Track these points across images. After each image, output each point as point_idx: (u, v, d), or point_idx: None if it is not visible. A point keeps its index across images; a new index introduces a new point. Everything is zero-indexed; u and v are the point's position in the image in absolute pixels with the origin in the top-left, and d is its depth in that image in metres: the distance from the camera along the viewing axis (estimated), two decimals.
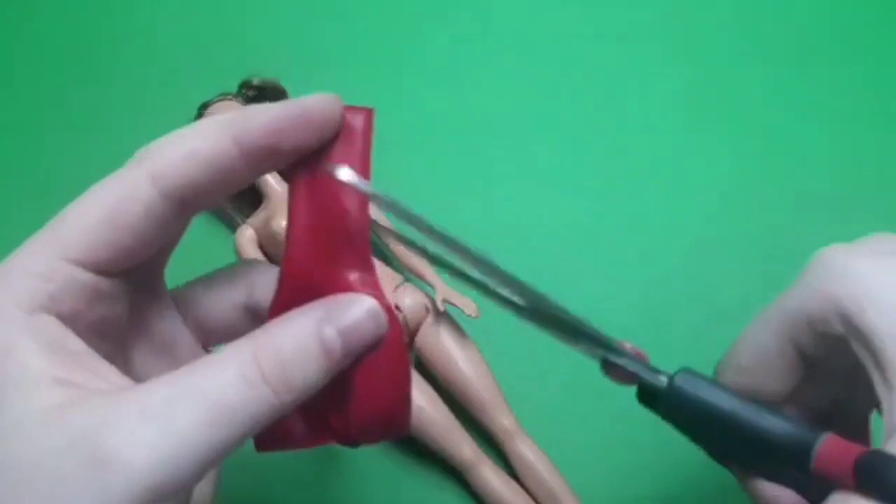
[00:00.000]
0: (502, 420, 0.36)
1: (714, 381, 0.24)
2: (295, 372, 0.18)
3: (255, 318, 0.23)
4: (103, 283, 0.19)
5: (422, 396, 0.36)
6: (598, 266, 0.43)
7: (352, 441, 0.22)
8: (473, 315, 0.37)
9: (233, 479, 0.37)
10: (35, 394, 0.17)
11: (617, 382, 0.25)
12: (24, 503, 0.16)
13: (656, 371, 0.24)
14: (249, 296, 0.23)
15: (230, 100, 0.42)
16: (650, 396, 0.24)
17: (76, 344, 0.19)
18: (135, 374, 0.22)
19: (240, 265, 0.24)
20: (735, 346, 0.26)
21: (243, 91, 0.43)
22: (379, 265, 0.39)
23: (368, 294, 0.21)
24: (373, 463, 0.37)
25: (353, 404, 0.21)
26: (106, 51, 0.50)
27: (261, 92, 0.43)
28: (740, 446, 0.23)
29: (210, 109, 0.42)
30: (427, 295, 0.38)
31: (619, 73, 0.49)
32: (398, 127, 0.47)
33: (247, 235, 0.40)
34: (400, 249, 0.39)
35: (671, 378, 0.24)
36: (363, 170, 0.21)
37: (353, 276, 0.21)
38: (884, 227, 0.41)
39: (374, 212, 0.26)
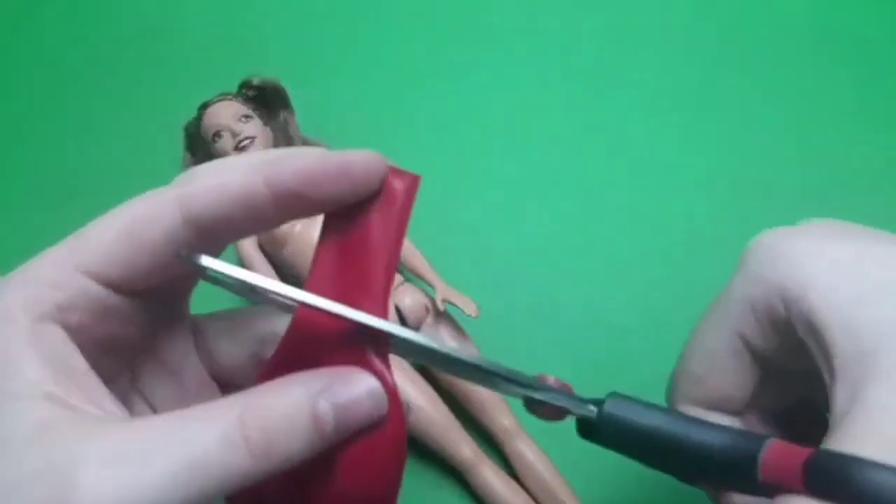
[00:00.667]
0: (502, 420, 0.36)
1: (644, 403, 0.22)
2: (280, 442, 0.17)
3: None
4: (116, 299, 0.19)
5: (422, 396, 0.36)
6: (595, 265, 0.43)
7: None
8: (473, 315, 0.37)
9: None
10: (26, 409, 0.17)
11: (546, 420, 0.23)
12: None
13: (584, 402, 0.23)
14: (262, 346, 0.22)
15: (230, 100, 0.42)
16: (587, 429, 0.23)
17: (77, 361, 0.18)
18: (139, 392, 0.22)
19: (262, 312, 0.23)
20: (684, 353, 0.25)
21: (243, 91, 0.43)
22: None
23: (375, 372, 0.19)
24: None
25: (335, 484, 0.20)
26: (106, 51, 0.50)
27: (261, 92, 0.43)
28: (686, 464, 0.22)
29: (210, 109, 0.42)
30: (427, 295, 0.38)
31: (616, 74, 0.49)
32: (398, 127, 0.47)
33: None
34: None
35: (600, 406, 0.22)
36: (397, 236, 0.20)
37: (367, 351, 0.20)
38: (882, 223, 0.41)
39: None
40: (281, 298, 0.19)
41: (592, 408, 0.22)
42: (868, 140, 0.46)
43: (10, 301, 0.18)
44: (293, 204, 0.19)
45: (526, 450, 0.36)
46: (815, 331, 0.20)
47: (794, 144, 0.46)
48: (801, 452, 0.19)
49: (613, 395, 0.23)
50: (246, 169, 0.19)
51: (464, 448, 0.36)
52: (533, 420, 0.37)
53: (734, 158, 0.46)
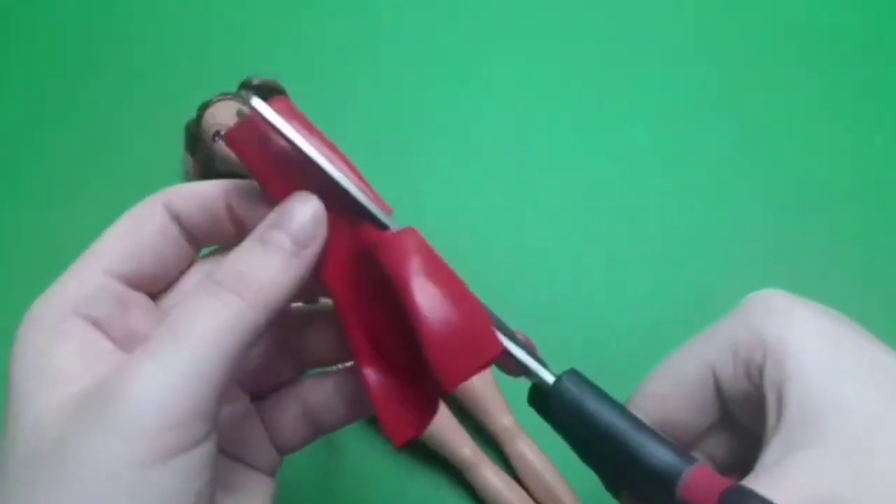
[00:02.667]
0: (502, 420, 0.36)
1: (602, 392, 0.22)
2: (256, 274, 0.19)
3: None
4: (134, 296, 0.21)
5: None
6: (596, 266, 0.43)
7: (450, 378, 0.20)
8: None
9: None
10: (62, 387, 0.19)
11: (505, 373, 0.23)
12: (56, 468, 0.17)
13: (546, 368, 0.22)
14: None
15: (230, 100, 0.42)
16: (539, 398, 0.23)
17: (104, 344, 0.20)
18: None
19: None
20: (653, 373, 0.25)
21: (243, 91, 0.43)
22: None
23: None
24: (374, 463, 0.37)
25: (423, 342, 0.20)
26: (105, 51, 0.50)
27: (260, 92, 0.43)
28: (615, 462, 0.22)
29: (210, 110, 0.42)
30: None
31: (618, 76, 0.49)
32: (398, 127, 0.47)
33: None
34: None
35: (559, 378, 0.22)
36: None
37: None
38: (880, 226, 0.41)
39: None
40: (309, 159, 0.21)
41: (550, 377, 0.22)
42: (867, 145, 0.46)
43: (43, 306, 0.20)
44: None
45: (526, 449, 0.36)
46: (779, 384, 0.21)
47: (794, 147, 0.46)
48: (723, 482, 0.20)
49: (574, 372, 0.22)
50: (212, 184, 0.22)
51: (464, 448, 0.36)
52: (533, 420, 0.37)
53: (734, 160, 0.46)
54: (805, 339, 0.22)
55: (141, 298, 0.22)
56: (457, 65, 0.49)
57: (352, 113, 0.47)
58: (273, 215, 0.20)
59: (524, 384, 0.38)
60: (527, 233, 0.44)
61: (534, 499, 0.35)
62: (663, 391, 0.24)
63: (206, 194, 0.22)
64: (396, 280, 0.20)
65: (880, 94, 0.48)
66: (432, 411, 0.22)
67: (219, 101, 0.42)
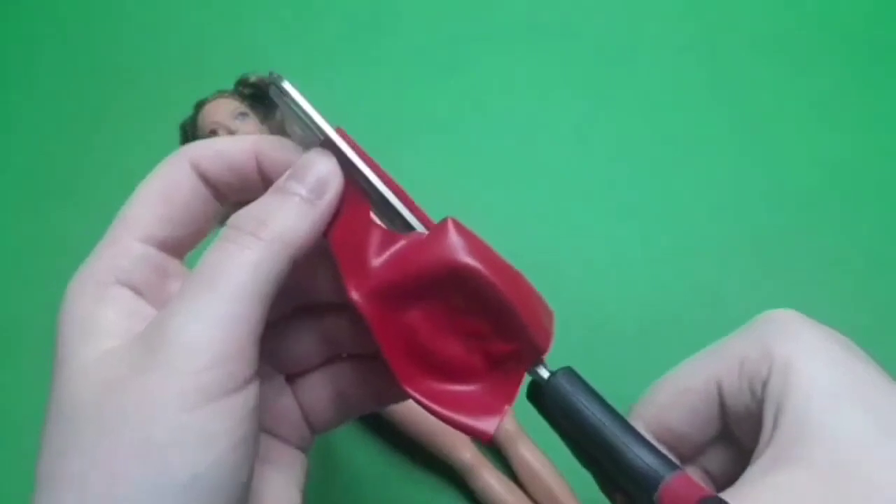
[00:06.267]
0: (503, 423, 0.36)
1: (595, 392, 0.23)
2: (270, 219, 0.20)
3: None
4: (171, 262, 0.22)
5: None
6: (597, 266, 0.42)
7: (546, 341, 0.22)
8: None
9: None
10: (108, 341, 0.20)
11: None
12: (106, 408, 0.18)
13: (543, 364, 0.23)
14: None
15: (226, 97, 0.42)
16: (536, 393, 0.23)
17: (147, 309, 0.21)
18: None
19: None
20: (658, 383, 0.25)
21: (240, 88, 0.42)
22: None
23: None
24: (373, 467, 0.37)
25: (516, 316, 0.21)
26: (101, 49, 0.50)
27: (257, 90, 0.42)
28: (603, 462, 0.22)
29: (206, 107, 0.41)
30: None
31: (620, 75, 0.49)
32: (398, 126, 0.47)
33: None
34: None
35: (553, 374, 0.23)
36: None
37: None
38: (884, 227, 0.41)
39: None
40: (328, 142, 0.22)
41: (546, 373, 0.23)
42: (876, 144, 0.46)
43: (84, 276, 0.21)
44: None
45: (526, 453, 0.36)
46: (778, 401, 0.22)
47: (797, 146, 0.46)
48: (702, 491, 0.20)
49: (569, 370, 0.23)
50: (243, 141, 0.23)
51: (464, 451, 0.35)
52: (533, 423, 0.37)
53: (737, 160, 0.46)
54: (810, 361, 0.22)
55: (177, 265, 0.22)
56: (458, 63, 0.49)
57: (351, 112, 0.47)
58: (291, 169, 0.21)
59: (524, 385, 0.38)
60: (527, 233, 0.43)
61: (534, 502, 0.35)
62: (667, 401, 0.25)
63: (234, 152, 0.22)
64: (463, 271, 0.21)
65: (887, 93, 0.48)
66: (511, 392, 0.23)
67: (215, 98, 0.42)
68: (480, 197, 0.44)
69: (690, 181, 0.45)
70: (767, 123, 0.47)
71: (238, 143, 0.23)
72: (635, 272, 0.42)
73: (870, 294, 0.41)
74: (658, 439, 0.24)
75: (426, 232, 0.22)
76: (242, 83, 0.42)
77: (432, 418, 0.35)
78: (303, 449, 0.25)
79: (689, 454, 0.25)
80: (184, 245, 0.23)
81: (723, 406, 0.24)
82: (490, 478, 0.35)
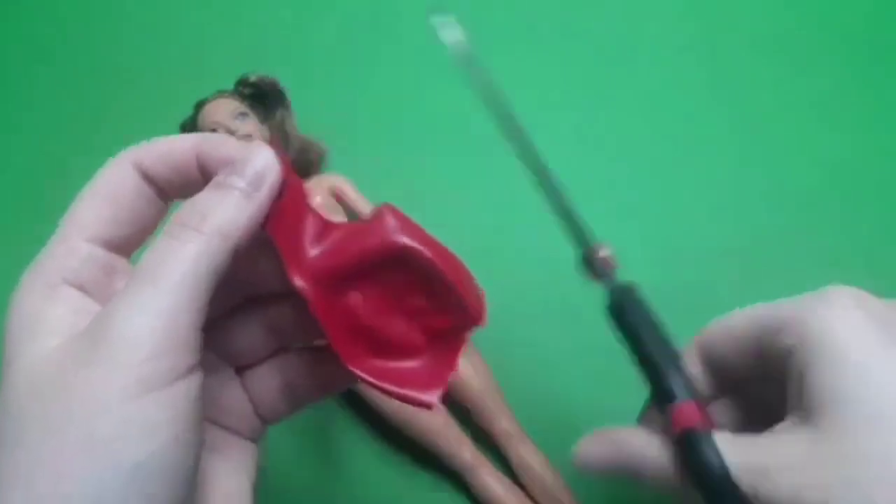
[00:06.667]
0: (502, 423, 0.36)
1: (646, 310, 0.28)
2: (209, 212, 0.21)
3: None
4: (118, 261, 0.23)
5: None
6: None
7: (481, 312, 0.24)
8: None
9: None
10: (55, 338, 0.20)
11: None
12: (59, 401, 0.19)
13: (613, 279, 0.29)
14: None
15: (227, 97, 0.42)
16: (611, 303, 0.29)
17: (94, 307, 0.21)
18: None
19: None
20: (712, 322, 0.29)
21: (240, 88, 0.42)
22: None
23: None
24: (372, 467, 0.37)
25: (453, 290, 0.23)
26: (100, 49, 0.50)
27: (258, 89, 0.42)
28: (644, 368, 0.27)
29: (206, 107, 0.41)
30: None
31: (619, 74, 0.49)
32: (397, 126, 0.47)
33: None
34: None
35: (613, 289, 0.28)
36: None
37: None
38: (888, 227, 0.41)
39: None
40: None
41: (610, 286, 0.29)
42: (876, 144, 0.46)
43: (32, 277, 0.22)
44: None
45: (526, 453, 0.36)
46: (805, 368, 0.23)
47: (800, 146, 0.46)
48: (706, 421, 0.24)
49: (626, 287, 0.29)
50: (183, 140, 0.23)
51: (463, 451, 0.35)
52: (533, 423, 0.37)
53: (739, 161, 0.46)
54: (849, 333, 0.23)
55: (123, 263, 0.23)
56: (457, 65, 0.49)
57: (350, 112, 0.47)
58: (230, 164, 0.22)
59: (525, 387, 0.38)
60: (527, 232, 0.43)
61: (534, 502, 0.35)
62: (715, 333, 0.28)
63: (175, 151, 0.23)
64: (402, 251, 0.23)
65: (887, 93, 0.48)
66: (451, 363, 0.24)
67: (215, 98, 0.42)
68: (481, 196, 0.44)
69: (690, 181, 0.45)
70: (767, 123, 0.47)
71: (178, 142, 0.23)
72: (635, 273, 0.42)
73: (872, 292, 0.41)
74: (703, 364, 0.28)
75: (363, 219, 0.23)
76: (242, 83, 0.42)
77: (432, 420, 0.35)
78: (253, 439, 0.26)
79: (730, 387, 0.28)
80: (130, 243, 0.23)
81: (760, 346, 0.26)
82: (490, 478, 0.35)
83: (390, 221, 0.23)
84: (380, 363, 0.24)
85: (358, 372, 0.23)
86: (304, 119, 0.43)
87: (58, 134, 0.47)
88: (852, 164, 0.45)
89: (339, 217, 0.40)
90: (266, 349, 0.26)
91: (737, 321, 0.27)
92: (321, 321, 0.22)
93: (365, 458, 0.37)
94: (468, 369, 0.36)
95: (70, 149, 0.46)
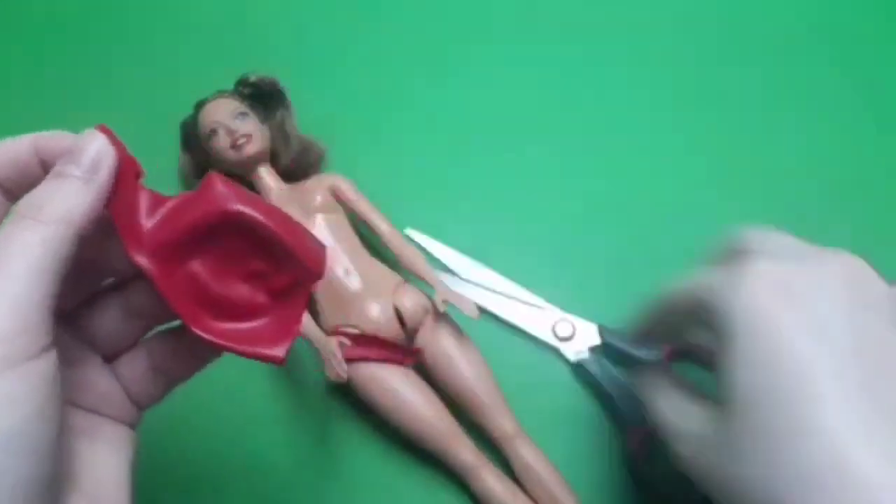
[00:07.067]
0: (503, 423, 0.36)
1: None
2: (49, 201, 0.22)
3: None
4: None
5: (422, 398, 0.36)
6: (597, 266, 0.42)
7: (319, 267, 0.25)
8: (473, 315, 0.36)
9: (233, 483, 0.37)
10: None
11: None
12: None
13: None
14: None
15: (227, 97, 0.42)
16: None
17: None
18: None
19: None
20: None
21: (240, 88, 0.42)
22: (379, 266, 0.39)
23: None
24: (371, 467, 0.37)
25: (287, 249, 0.24)
26: (102, 49, 0.50)
27: (257, 89, 0.42)
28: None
29: (206, 107, 0.41)
30: (427, 296, 0.38)
31: (616, 72, 0.49)
32: (397, 126, 0.47)
33: None
34: (400, 249, 0.39)
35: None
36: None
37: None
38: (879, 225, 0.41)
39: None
40: None
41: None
42: (869, 142, 0.46)
43: None
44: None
45: (527, 453, 0.36)
46: (720, 349, 0.25)
47: (798, 147, 0.46)
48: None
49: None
50: (21, 140, 0.24)
51: (464, 452, 0.35)
52: (534, 423, 0.37)
53: (733, 155, 0.46)
54: (759, 321, 0.24)
55: None
56: (457, 63, 0.49)
57: (350, 112, 0.47)
58: (66, 154, 0.23)
59: (525, 386, 0.38)
60: (528, 232, 0.43)
61: (535, 502, 0.35)
62: (659, 300, 0.31)
63: (16, 151, 0.24)
64: (233, 216, 0.23)
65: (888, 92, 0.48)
66: (297, 317, 0.25)
67: (215, 98, 0.42)
68: (481, 196, 0.44)
69: (693, 182, 0.45)
70: (771, 121, 0.47)
71: (16, 142, 0.24)
72: (637, 274, 0.42)
73: None
74: (652, 332, 0.32)
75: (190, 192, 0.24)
76: (242, 83, 0.42)
77: (433, 420, 0.35)
78: (130, 425, 0.26)
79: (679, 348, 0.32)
80: None
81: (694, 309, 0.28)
82: (490, 478, 0.35)
83: (219, 188, 0.24)
84: (228, 326, 0.24)
85: (203, 334, 0.24)
86: (303, 119, 0.43)
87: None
88: (852, 163, 0.45)
89: (339, 217, 0.40)
90: (131, 334, 0.27)
91: (676, 286, 0.29)
92: (163, 292, 0.23)
93: (365, 457, 0.37)
94: (468, 369, 0.36)
95: None
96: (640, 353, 0.37)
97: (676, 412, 0.28)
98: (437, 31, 0.50)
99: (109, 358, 0.27)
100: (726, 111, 0.47)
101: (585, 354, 0.39)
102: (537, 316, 0.40)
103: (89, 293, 0.26)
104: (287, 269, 0.25)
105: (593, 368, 0.38)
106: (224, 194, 0.24)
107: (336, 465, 0.37)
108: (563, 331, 0.39)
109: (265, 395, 0.39)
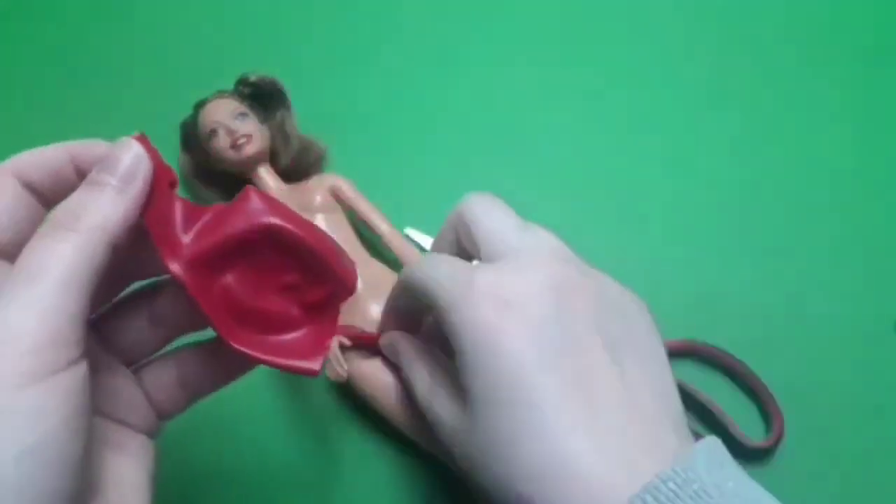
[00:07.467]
0: None
1: None
2: (90, 210, 0.22)
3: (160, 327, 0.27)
4: (2, 265, 0.23)
5: None
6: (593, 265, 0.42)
7: (352, 278, 0.25)
8: None
9: (234, 482, 0.37)
10: None
11: None
12: None
13: None
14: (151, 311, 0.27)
15: (227, 97, 0.42)
16: None
17: None
18: None
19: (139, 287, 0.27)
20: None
21: (240, 88, 0.42)
22: (379, 266, 0.39)
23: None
24: (372, 466, 0.37)
25: (323, 262, 0.24)
26: (101, 49, 0.50)
27: (257, 89, 0.42)
28: None
29: (206, 107, 0.41)
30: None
31: (618, 74, 0.49)
32: (398, 127, 0.47)
33: None
34: (400, 250, 0.39)
35: None
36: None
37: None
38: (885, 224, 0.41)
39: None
40: None
41: None
42: (872, 143, 0.46)
43: None
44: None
45: None
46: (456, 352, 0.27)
47: (798, 148, 0.46)
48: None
49: None
50: (58, 148, 0.24)
51: None
52: None
53: (738, 159, 0.45)
54: (486, 335, 0.26)
55: (6, 266, 0.23)
56: (457, 63, 0.49)
57: (351, 112, 0.47)
58: (101, 162, 0.23)
59: None
60: None
61: None
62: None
63: (53, 159, 0.24)
64: (270, 229, 0.24)
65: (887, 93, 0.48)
66: (330, 331, 0.26)
67: (215, 98, 0.42)
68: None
69: (691, 183, 0.45)
70: (771, 124, 0.47)
71: (53, 149, 0.24)
72: (634, 274, 0.42)
73: (873, 292, 0.41)
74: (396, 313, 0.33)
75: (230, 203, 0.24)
76: (242, 83, 0.42)
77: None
78: (150, 435, 0.26)
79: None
80: (13, 247, 0.24)
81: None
82: None
83: (255, 202, 0.24)
84: (262, 339, 0.25)
85: (241, 347, 0.24)
86: (304, 119, 0.43)
87: (58, 135, 0.46)
88: (852, 163, 0.45)
89: (339, 216, 0.40)
90: (153, 343, 0.27)
91: (408, 285, 0.30)
92: (199, 304, 0.23)
93: (365, 456, 0.37)
94: None
95: None
96: None
97: (433, 395, 0.29)
98: (438, 32, 0.50)
99: (135, 366, 0.27)
100: (731, 112, 0.47)
101: None
102: None
103: (114, 300, 0.26)
104: (321, 283, 0.25)
105: None
106: (261, 208, 0.24)
107: (336, 464, 0.37)
108: None
109: (265, 394, 0.39)
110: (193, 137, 0.42)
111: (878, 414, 0.38)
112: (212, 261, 0.24)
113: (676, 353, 0.39)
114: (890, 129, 0.46)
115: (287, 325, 0.25)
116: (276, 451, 0.38)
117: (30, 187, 0.24)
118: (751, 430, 0.37)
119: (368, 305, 0.37)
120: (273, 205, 0.24)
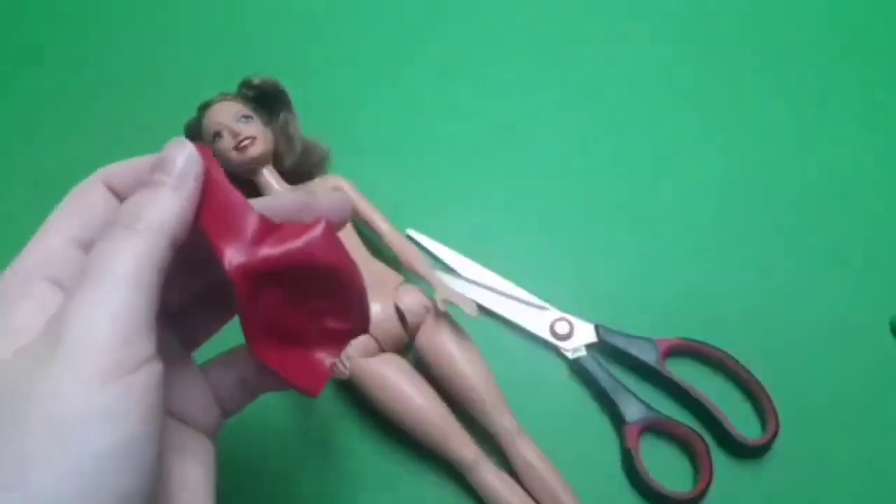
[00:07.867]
0: (502, 420, 0.36)
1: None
2: (142, 210, 0.22)
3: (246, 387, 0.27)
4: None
5: (422, 396, 0.36)
6: (596, 266, 0.43)
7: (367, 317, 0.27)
8: (473, 315, 0.37)
9: (233, 481, 0.37)
10: (18, 339, 0.21)
11: None
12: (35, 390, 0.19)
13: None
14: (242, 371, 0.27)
15: (230, 100, 0.42)
16: None
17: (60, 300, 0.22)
18: None
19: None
20: None
21: (243, 91, 0.43)
22: (379, 265, 0.40)
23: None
24: (373, 463, 0.37)
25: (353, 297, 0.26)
26: (106, 51, 0.50)
27: (261, 92, 0.43)
28: None
29: (210, 110, 0.42)
30: (427, 295, 0.38)
31: (617, 74, 0.49)
32: (399, 127, 0.47)
33: None
34: (401, 249, 0.39)
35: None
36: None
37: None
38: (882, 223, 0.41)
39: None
40: None
41: None
42: (871, 140, 0.46)
43: (5, 276, 0.23)
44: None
45: (526, 450, 0.36)
46: None
47: (798, 148, 0.46)
48: None
49: None
50: (145, 160, 0.25)
51: (464, 448, 0.36)
52: (531, 420, 0.37)
53: (735, 162, 0.46)
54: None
55: None
56: (458, 64, 0.49)
57: (352, 113, 0.47)
58: (155, 163, 0.23)
59: (526, 385, 0.39)
60: (528, 232, 0.44)
61: (534, 500, 0.35)
62: None
63: (139, 168, 0.25)
64: (334, 268, 0.25)
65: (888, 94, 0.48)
66: (336, 355, 0.27)
67: (219, 101, 0.42)
68: (481, 196, 0.45)
69: (693, 184, 0.45)
70: (769, 124, 0.47)
71: (140, 160, 0.25)
72: (633, 274, 0.43)
73: (872, 292, 0.42)
74: None
75: (299, 226, 0.25)
76: (246, 85, 0.43)
77: (433, 417, 0.36)
78: (211, 435, 0.27)
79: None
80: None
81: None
82: (490, 474, 0.35)
83: (324, 235, 0.24)
84: (279, 351, 0.26)
85: (263, 360, 0.25)
86: (307, 121, 0.44)
87: (60, 137, 0.47)
88: (852, 163, 0.45)
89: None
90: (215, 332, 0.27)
91: None
92: (241, 307, 0.24)
93: (365, 455, 0.38)
94: (468, 367, 0.37)
95: (71, 151, 0.46)
96: (637, 351, 0.38)
97: None
98: (438, 34, 0.50)
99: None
100: (729, 112, 0.47)
101: (583, 352, 0.39)
102: (536, 315, 0.40)
103: (195, 293, 0.27)
104: (346, 317, 0.26)
105: (590, 366, 0.38)
106: (328, 245, 0.25)
107: (337, 462, 0.38)
108: (562, 329, 0.40)
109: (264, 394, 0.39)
110: (198, 140, 0.42)
111: (872, 411, 0.38)
112: (266, 275, 0.24)
113: (673, 351, 0.39)
114: (888, 130, 0.47)
115: (302, 343, 0.26)
116: (276, 450, 0.38)
117: (117, 194, 0.25)
118: (746, 428, 0.37)
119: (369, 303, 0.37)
120: (337, 242, 0.25)
